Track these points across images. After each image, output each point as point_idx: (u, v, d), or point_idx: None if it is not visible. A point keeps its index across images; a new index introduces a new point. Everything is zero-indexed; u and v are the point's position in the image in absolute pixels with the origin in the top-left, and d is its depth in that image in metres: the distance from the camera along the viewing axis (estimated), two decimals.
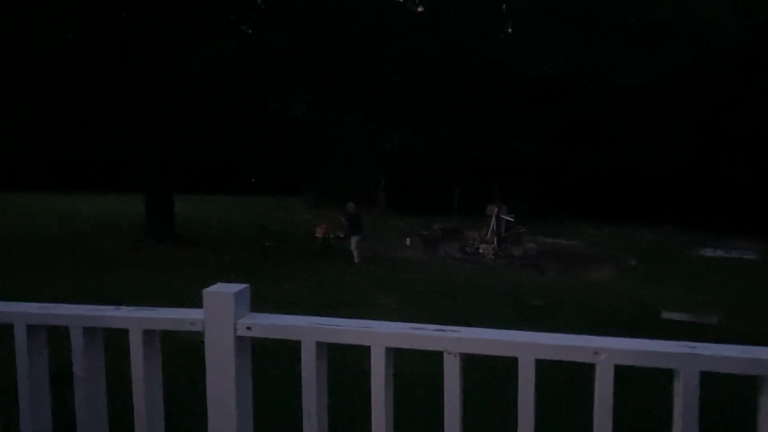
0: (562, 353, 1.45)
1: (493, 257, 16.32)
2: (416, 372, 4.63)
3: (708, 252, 18.86)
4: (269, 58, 14.94)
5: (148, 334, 1.67)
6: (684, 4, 26.17)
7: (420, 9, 27.60)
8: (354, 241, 15.09)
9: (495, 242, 17.06)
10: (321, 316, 1.65)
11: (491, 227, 17.42)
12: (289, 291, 11.01)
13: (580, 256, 17.39)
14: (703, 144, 25.80)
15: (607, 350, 1.41)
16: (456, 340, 1.49)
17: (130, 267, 12.92)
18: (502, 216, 17.48)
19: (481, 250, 16.86)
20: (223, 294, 1.58)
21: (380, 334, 1.54)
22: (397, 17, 25.24)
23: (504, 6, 30.16)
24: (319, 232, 17.11)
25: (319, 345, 1.57)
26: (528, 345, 1.46)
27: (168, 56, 13.41)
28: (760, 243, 20.80)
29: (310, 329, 1.57)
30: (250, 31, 16.49)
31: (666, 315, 10.04)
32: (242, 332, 1.59)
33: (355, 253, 14.94)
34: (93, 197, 29.94)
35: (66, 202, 27.38)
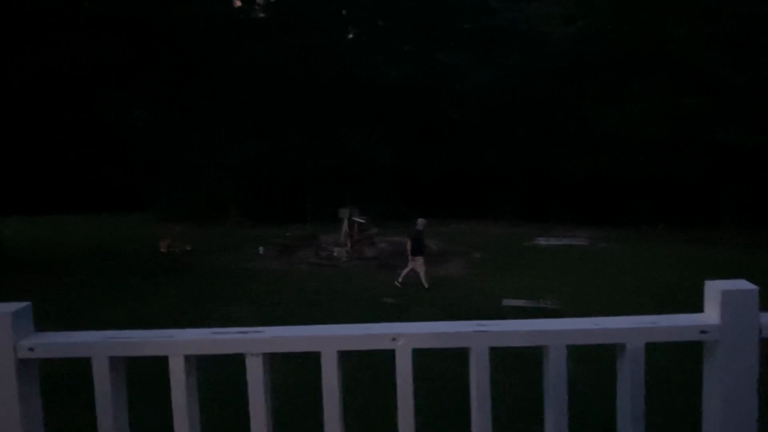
0: (363, 342, 1.48)
1: (347, 260, 16.49)
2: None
3: (545, 241, 20.35)
4: (104, 68, 14.06)
5: None
6: (516, 13, 28.21)
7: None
8: (417, 262, 12.97)
9: (348, 245, 17.26)
10: None
11: (344, 230, 17.61)
12: (136, 311, 10.40)
13: (431, 253, 17.99)
14: (540, 142, 27.79)
15: (404, 335, 1.45)
16: (257, 340, 1.46)
17: None
18: (354, 219, 17.72)
19: (335, 254, 16.97)
20: None
21: (178, 343, 1.47)
22: (237, 25, 24.81)
23: (345, 12, 30.58)
24: (163, 246, 16.37)
25: (114, 360, 1.48)
26: (329, 338, 1.47)
27: None
28: (589, 230, 22.84)
29: (102, 345, 1.47)
30: (65, 40, 15.32)
31: (506, 302, 10.70)
32: (24, 354, 1.45)
33: (423, 277, 12.79)
34: None
35: None
